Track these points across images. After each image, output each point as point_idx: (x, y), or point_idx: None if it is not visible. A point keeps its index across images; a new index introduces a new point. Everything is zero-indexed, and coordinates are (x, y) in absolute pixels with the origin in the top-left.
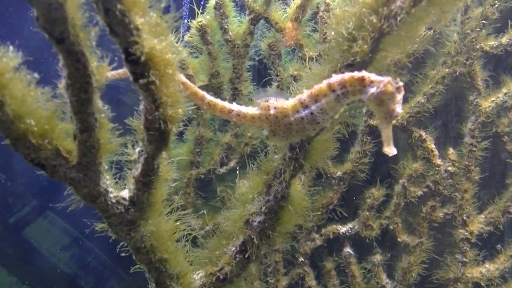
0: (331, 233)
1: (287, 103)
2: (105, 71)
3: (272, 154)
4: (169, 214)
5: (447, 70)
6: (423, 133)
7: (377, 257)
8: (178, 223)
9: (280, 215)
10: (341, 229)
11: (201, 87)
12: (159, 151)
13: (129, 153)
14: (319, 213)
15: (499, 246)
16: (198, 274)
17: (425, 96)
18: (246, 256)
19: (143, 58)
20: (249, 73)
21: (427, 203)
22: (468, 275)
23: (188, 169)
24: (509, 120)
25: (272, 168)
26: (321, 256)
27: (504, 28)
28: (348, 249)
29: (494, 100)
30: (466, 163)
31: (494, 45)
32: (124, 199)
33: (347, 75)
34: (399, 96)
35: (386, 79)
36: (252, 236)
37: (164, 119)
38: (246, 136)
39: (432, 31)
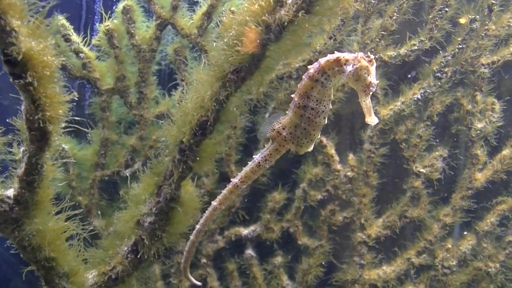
0: (234, 235)
1: (289, 116)
2: None
3: (164, 156)
4: (59, 213)
5: None
6: (324, 139)
7: (278, 259)
8: (67, 223)
9: (171, 216)
10: (243, 231)
11: (107, 90)
12: (41, 150)
13: (14, 152)
14: (221, 215)
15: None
16: (91, 273)
17: None
18: (137, 256)
19: (19, 59)
20: (156, 77)
21: (327, 207)
22: (365, 277)
23: (93, 170)
24: (406, 127)
25: (163, 170)
26: (223, 257)
27: (403, 39)
28: (250, 251)
29: (392, 108)
30: (365, 168)
31: (393, 55)
32: (8, 197)
33: (323, 61)
34: (373, 68)
35: (358, 55)
36: (143, 237)
37: (44, 119)
38: (151, 139)
39: (332, 40)
